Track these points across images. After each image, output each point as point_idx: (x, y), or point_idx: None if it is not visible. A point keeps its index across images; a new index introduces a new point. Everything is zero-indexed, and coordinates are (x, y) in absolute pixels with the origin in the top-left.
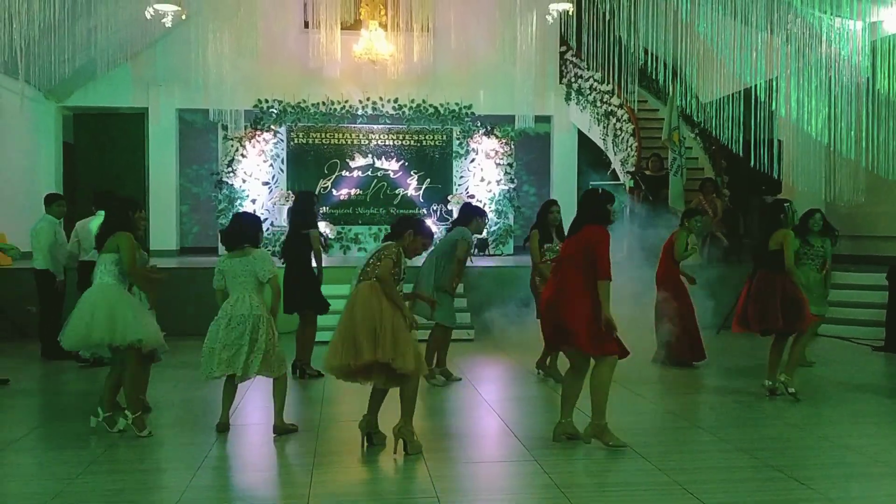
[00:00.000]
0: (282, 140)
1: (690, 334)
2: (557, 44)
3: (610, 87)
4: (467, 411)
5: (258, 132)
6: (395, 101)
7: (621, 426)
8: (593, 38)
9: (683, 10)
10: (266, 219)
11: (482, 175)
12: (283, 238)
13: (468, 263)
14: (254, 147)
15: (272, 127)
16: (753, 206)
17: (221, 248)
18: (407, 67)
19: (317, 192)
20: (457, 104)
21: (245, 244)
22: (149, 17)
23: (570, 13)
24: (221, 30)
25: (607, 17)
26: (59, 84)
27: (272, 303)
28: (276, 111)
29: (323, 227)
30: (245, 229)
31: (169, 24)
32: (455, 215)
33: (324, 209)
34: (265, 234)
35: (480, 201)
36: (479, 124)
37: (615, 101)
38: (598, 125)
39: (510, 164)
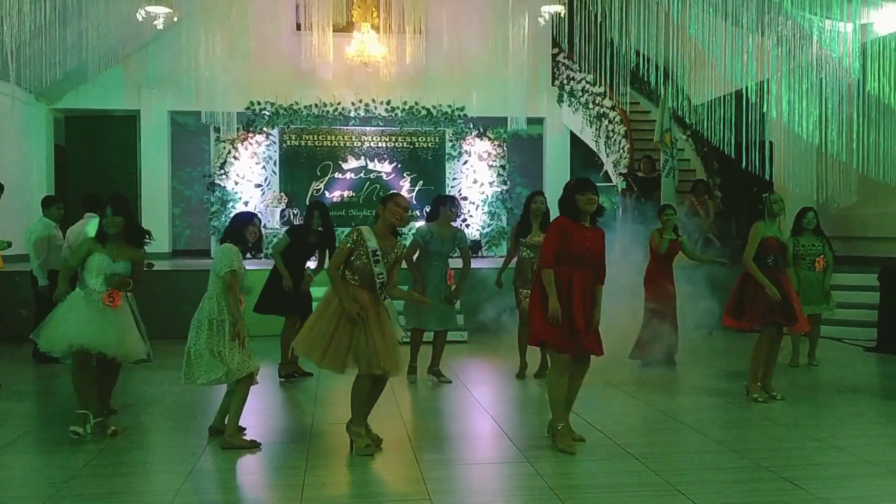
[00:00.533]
0: (274, 142)
1: (668, 335)
2: (549, 46)
3: (602, 89)
4: (460, 413)
5: (250, 134)
6: (388, 103)
7: (614, 428)
8: (585, 41)
9: (675, 13)
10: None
11: (475, 177)
12: (274, 240)
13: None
14: (246, 149)
15: (264, 129)
16: (745, 208)
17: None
18: (399, 69)
19: (310, 194)
20: (449, 106)
21: (227, 241)
22: (140, 18)
23: (562, 15)
24: (213, 32)
25: (599, 20)
26: (51, 86)
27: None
28: (268, 113)
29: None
30: (229, 227)
31: (161, 26)
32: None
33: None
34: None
35: (474, 203)
36: (471, 126)
37: (607, 102)
38: (591, 127)
39: (503, 166)
